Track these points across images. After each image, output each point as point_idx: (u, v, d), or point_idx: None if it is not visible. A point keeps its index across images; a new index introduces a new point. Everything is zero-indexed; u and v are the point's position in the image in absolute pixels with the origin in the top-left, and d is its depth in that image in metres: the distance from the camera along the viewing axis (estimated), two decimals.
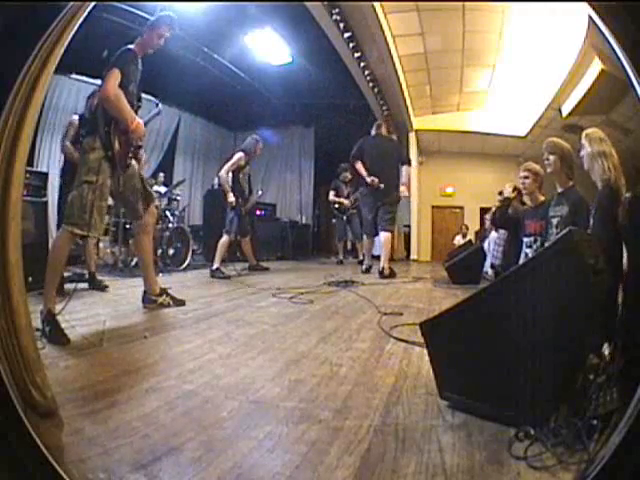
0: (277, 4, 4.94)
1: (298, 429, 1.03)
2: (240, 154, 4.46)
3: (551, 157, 2.36)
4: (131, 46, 2.26)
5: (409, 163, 4.89)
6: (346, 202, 6.24)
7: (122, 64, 2.14)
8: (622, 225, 1.51)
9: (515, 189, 4.24)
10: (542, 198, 2.78)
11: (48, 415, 0.86)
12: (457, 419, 1.10)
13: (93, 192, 2.01)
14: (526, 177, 2.82)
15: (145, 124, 2.36)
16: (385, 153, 4.61)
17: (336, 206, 6.37)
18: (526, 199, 3.10)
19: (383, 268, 4.39)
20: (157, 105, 2.53)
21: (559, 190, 2.39)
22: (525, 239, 2.71)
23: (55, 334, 1.70)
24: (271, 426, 1.04)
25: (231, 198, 4.33)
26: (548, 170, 2.42)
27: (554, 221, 2.38)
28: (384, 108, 6.98)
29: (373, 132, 4.83)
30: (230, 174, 4.39)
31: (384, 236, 4.53)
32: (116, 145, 2.13)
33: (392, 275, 4.47)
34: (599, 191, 1.82)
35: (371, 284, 3.80)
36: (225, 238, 4.36)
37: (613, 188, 1.76)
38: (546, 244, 1.98)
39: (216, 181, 6.80)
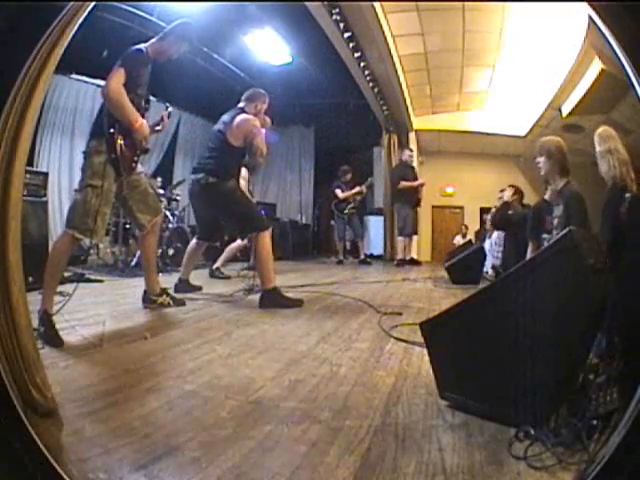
0: (277, 4, 4.94)
1: (298, 429, 1.03)
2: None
3: (540, 159, 2.34)
4: (142, 46, 2.16)
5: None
6: (360, 188, 6.46)
7: (130, 65, 2.05)
8: (624, 224, 1.50)
9: (515, 192, 4.25)
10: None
11: (48, 415, 0.86)
12: (457, 419, 1.10)
13: (97, 197, 1.95)
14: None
15: (155, 126, 2.34)
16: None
17: (336, 206, 6.38)
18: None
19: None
20: (167, 108, 2.46)
21: (557, 189, 2.38)
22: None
23: (49, 335, 1.68)
24: (271, 426, 1.04)
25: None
26: (541, 172, 2.40)
27: (555, 222, 2.38)
28: (384, 108, 6.98)
29: None
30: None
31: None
32: (121, 147, 2.05)
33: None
34: (607, 189, 1.80)
35: (370, 282, 3.80)
36: (237, 243, 4.31)
37: (619, 186, 1.74)
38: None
39: None
